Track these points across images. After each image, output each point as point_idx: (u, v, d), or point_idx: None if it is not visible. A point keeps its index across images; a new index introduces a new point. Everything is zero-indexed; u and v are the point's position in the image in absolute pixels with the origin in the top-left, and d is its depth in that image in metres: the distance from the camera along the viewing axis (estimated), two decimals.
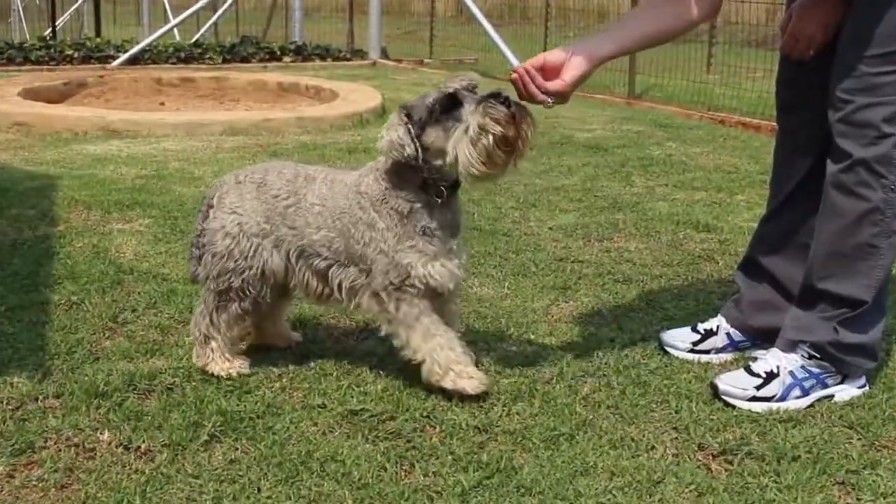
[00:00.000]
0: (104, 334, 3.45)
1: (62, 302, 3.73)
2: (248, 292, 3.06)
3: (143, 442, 2.66)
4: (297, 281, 3.08)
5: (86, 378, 3.02)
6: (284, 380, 3.08)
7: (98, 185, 5.80)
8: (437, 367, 2.95)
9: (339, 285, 3.02)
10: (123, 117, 8.18)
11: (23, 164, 6.56)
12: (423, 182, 2.91)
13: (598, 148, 7.45)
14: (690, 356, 3.36)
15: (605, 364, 3.26)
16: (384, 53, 15.33)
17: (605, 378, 3.16)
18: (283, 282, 3.10)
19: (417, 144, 2.83)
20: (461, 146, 2.78)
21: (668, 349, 3.39)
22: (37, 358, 3.19)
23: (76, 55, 13.29)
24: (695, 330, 3.43)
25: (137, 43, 13.76)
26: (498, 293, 3.98)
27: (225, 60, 13.77)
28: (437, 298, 3.01)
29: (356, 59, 14.91)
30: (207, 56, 13.80)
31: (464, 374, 2.95)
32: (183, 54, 13.69)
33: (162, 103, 10.46)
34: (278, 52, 14.46)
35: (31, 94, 9.42)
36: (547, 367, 3.23)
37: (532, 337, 3.50)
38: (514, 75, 2.90)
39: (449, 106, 2.82)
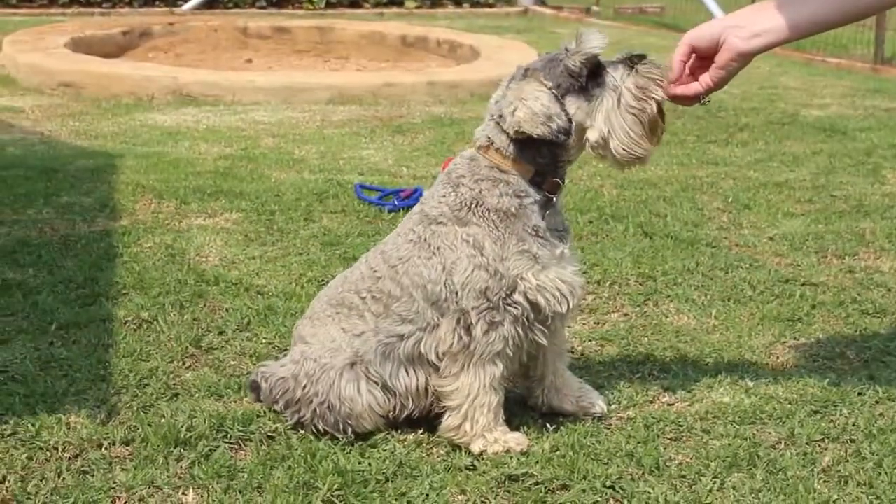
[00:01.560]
0: (184, 363, 3.51)
1: (129, 319, 3.82)
2: None
3: None
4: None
5: (162, 420, 3.08)
6: (420, 432, 3.09)
7: (170, 166, 5.94)
8: (469, 425, 2.97)
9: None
10: (200, 78, 8.37)
11: (73, 137, 6.76)
12: (534, 175, 2.94)
13: (834, 130, 7.35)
14: None
15: (853, 425, 3.20)
16: None
17: (854, 444, 3.10)
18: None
19: (569, 115, 2.86)
20: (615, 118, 2.86)
21: None
22: (99, 391, 3.26)
23: None
24: None
25: None
26: (702, 324, 3.95)
27: (329, 5, 13.98)
28: (549, 325, 3.00)
29: (502, 6, 14.99)
30: None
31: (499, 442, 2.97)
32: None
33: (249, 60, 10.66)
34: None
35: (81, 46, 9.68)
36: (772, 427, 3.18)
37: (750, 385, 3.46)
38: None
39: (593, 70, 2.88)
